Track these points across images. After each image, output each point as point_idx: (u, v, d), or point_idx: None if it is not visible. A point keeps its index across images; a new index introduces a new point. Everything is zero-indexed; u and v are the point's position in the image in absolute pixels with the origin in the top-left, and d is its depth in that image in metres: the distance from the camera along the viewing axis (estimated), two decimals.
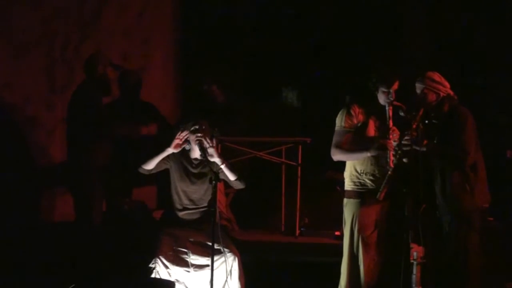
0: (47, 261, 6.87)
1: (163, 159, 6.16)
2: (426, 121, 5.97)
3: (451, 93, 6.05)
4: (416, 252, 5.80)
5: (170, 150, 6.11)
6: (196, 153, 6.17)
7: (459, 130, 5.94)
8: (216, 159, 6.10)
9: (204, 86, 7.92)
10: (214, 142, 6.13)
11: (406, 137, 5.77)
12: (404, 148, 5.77)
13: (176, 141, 6.11)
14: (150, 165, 6.12)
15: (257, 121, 8.18)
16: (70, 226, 7.19)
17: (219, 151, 6.67)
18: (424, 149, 5.87)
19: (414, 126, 5.78)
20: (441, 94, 6.03)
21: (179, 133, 6.11)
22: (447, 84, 6.06)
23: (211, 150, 6.08)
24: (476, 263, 6.00)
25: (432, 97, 6.03)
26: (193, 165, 6.22)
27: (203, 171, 6.18)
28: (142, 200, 7.76)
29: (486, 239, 6.13)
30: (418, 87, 6.06)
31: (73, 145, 7.04)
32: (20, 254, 6.95)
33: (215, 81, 7.92)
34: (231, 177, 6.14)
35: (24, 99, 7.77)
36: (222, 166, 6.08)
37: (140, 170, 6.15)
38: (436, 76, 6.05)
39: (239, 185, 6.22)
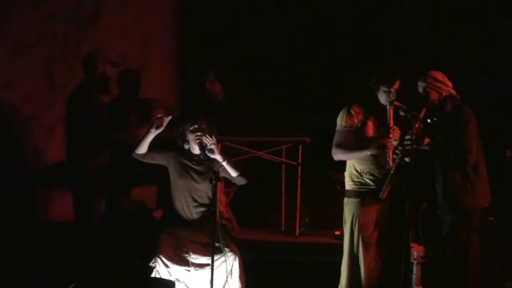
0: (46, 261, 6.85)
1: (160, 154, 6.15)
2: (429, 120, 5.97)
3: (454, 92, 6.05)
4: (416, 251, 5.79)
5: (153, 131, 6.04)
6: (196, 151, 6.16)
7: (461, 130, 5.94)
8: (217, 156, 6.08)
9: (204, 83, 7.91)
10: (214, 139, 6.11)
11: (407, 137, 5.77)
12: (406, 148, 5.77)
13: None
14: (140, 149, 6.09)
15: (257, 120, 8.15)
16: (70, 225, 7.18)
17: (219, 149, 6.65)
18: (426, 148, 5.87)
19: (416, 126, 5.78)
20: (444, 93, 6.03)
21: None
22: (449, 83, 6.05)
23: (212, 147, 6.06)
24: (476, 262, 6.00)
25: (434, 96, 6.02)
26: (194, 163, 6.21)
27: (204, 170, 6.17)
28: (142, 200, 7.75)
29: (486, 239, 6.13)
30: (420, 85, 6.05)
31: (72, 144, 7.03)
32: (19, 254, 6.94)
33: (215, 78, 7.90)
34: (233, 173, 6.13)
35: (24, 99, 7.77)
36: (224, 163, 6.07)
37: (134, 155, 6.14)
38: (439, 75, 6.04)
39: (242, 181, 6.20)
